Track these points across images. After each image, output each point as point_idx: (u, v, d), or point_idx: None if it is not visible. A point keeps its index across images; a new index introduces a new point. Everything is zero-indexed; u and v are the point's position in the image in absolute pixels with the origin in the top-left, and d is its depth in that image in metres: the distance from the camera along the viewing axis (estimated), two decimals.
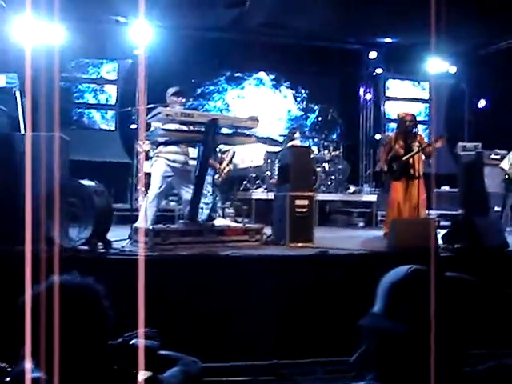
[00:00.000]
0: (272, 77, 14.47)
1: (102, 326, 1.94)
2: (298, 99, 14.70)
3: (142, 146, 7.92)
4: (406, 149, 8.57)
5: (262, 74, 14.43)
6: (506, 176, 10.76)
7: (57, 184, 5.54)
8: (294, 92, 14.64)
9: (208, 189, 9.44)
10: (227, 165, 9.97)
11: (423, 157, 8.70)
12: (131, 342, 2.09)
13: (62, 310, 1.78)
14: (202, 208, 9.10)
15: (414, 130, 8.73)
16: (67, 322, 1.79)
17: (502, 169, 10.91)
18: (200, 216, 8.96)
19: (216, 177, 9.60)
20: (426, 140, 8.99)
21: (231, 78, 14.24)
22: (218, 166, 9.71)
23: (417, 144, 8.55)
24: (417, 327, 1.79)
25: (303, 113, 14.74)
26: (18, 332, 1.78)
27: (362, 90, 14.94)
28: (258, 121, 7.27)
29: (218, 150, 9.51)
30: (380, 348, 1.85)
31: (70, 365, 1.80)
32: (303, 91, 14.66)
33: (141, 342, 2.08)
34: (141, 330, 2.11)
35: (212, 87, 14.06)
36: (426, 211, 9.00)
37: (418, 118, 13.99)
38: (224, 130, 7.50)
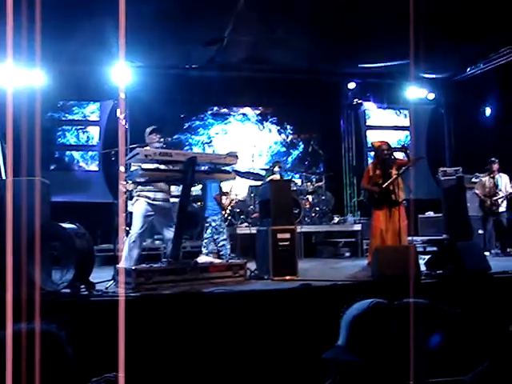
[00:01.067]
0: (257, 112, 14.58)
1: (64, 373, 1.93)
2: (283, 135, 14.77)
3: (125, 186, 7.96)
4: (384, 177, 8.64)
5: (247, 110, 14.53)
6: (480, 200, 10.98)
7: (37, 228, 5.57)
8: (278, 127, 14.72)
9: (222, 225, 9.52)
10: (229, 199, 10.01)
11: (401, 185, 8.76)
12: None
13: (26, 357, 1.76)
14: (224, 245, 9.22)
15: (391, 157, 8.81)
16: (31, 367, 1.78)
17: (476, 194, 11.08)
18: (226, 252, 9.23)
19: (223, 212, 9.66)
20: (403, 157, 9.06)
21: (217, 114, 14.34)
22: (222, 201, 9.72)
23: (395, 171, 8.63)
24: (377, 359, 1.83)
25: (285, 148, 14.76)
26: None
27: (342, 121, 15.04)
28: (237, 157, 7.34)
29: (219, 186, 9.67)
30: (344, 380, 1.89)
31: None
32: (288, 126, 14.74)
33: None
34: (109, 375, 2.11)
35: (198, 122, 14.11)
36: (409, 237, 9.03)
37: (400, 145, 14.23)
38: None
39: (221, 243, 9.35)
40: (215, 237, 9.44)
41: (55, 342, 1.93)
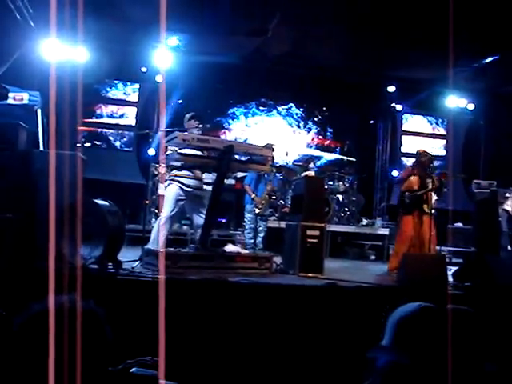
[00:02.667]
0: (301, 110, 14.59)
1: (102, 351, 1.91)
2: (321, 137, 14.75)
3: (159, 168, 8.00)
4: (420, 184, 8.56)
5: (292, 106, 14.54)
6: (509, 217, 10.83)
7: (79, 202, 5.60)
8: (318, 129, 14.71)
9: (246, 215, 9.69)
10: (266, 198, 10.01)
11: (434, 196, 8.68)
12: (131, 370, 2.04)
13: (60, 333, 1.75)
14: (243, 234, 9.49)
15: (430, 169, 8.73)
16: (73, 342, 1.77)
17: (506, 210, 10.92)
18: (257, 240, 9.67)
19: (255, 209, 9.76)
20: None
21: (262, 104, 14.39)
22: (253, 195, 9.77)
23: (431, 181, 8.54)
24: (422, 360, 1.82)
25: (320, 151, 14.70)
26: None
27: (378, 124, 14.93)
28: (273, 149, 7.33)
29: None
30: (386, 380, 1.88)
31: None
32: (328, 128, 14.72)
33: (141, 370, 2.03)
34: (144, 358, 2.09)
35: (242, 109, 14.17)
36: (437, 247, 8.94)
37: (435, 153, 14.09)
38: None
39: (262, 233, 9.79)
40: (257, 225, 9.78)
41: (94, 318, 1.93)
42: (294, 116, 14.57)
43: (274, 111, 14.46)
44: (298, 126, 14.59)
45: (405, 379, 1.82)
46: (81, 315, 1.83)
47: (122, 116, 13.41)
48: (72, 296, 1.94)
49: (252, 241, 9.67)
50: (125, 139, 13.47)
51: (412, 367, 1.82)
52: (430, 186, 8.51)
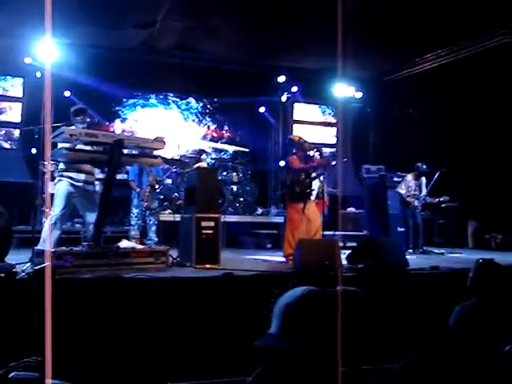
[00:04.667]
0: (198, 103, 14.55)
1: None
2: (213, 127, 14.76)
3: (47, 165, 7.73)
4: (306, 172, 8.72)
5: (190, 99, 14.46)
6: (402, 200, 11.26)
7: None
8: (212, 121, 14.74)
9: (133, 211, 9.59)
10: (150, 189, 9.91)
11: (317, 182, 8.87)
12: (10, 375, 1.86)
13: None
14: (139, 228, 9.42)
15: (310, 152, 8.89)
16: None
17: (399, 193, 11.35)
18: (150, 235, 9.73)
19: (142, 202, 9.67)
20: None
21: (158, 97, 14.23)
22: (138, 189, 9.69)
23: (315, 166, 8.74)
24: (310, 346, 1.83)
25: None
26: None
27: (270, 114, 15.06)
28: (164, 142, 7.23)
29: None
30: (275, 368, 1.88)
31: None
32: (219, 117, 14.76)
33: (20, 374, 1.86)
34: (28, 359, 1.99)
35: (132, 100, 13.95)
36: (330, 232, 9.16)
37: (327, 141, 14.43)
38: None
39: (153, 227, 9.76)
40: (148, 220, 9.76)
41: None
42: (191, 110, 14.48)
43: (173, 105, 14.32)
44: (194, 120, 14.49)
45: (294, 365, 1.82)
46: None
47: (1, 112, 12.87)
48: None
49: (139, 235, 9.64)
50: (6, 135, 12.93)
51: (300, 353, 1.82)
52: (314, 174, 8.70)
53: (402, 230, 11.41)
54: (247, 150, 13.28)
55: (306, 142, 9.02)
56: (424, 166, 11.28)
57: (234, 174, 12.46)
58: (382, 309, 2.17)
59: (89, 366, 4.84)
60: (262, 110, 14.61)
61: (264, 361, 1.91)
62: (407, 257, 7.86)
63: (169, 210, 10.96)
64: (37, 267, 2.64)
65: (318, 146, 9.24)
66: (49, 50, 11.21)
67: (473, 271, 4.03)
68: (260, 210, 12.80)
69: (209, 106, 14.62)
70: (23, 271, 6.10)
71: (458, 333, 3.18)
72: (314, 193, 8.69)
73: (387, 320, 2.18)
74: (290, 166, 8.95)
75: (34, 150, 10.46)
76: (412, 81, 13.55)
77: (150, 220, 9.81)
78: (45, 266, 2.73)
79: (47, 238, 7.12)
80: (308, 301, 1.90)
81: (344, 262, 7.41)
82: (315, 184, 8.72)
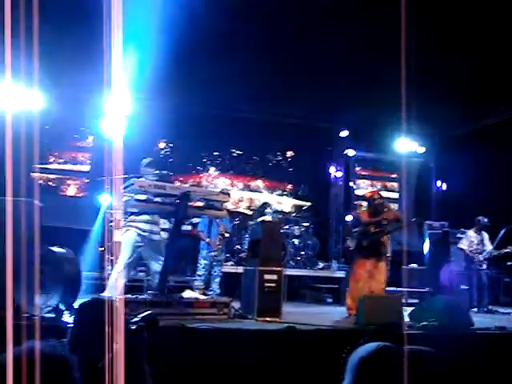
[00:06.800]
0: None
1: None
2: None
3: (114, 215, 7.95)
4: (376, 226, 8.71)
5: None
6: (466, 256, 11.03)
7: (36, 252, 5.53)
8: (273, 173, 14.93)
9: (201, 262, 9.68)
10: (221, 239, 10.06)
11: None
12: None
13: (32, 378, 1.73)
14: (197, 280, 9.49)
15: (383, 207, 8.90)
16: None
17: (461, 249, 11.13)
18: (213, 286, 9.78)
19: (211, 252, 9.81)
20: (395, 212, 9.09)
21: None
22: (207, 239, 9.81)
23: (385, 221, 8.72)
24: None
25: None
26: None
27: (332, 168, 15.11)
28: (229, 195, 7.38)
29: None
30: None
31: None
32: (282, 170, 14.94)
33: None
34: None
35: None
36: (393, 288, 9.07)
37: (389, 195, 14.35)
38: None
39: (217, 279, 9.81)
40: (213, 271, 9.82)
41: (64, 365, 1.89)
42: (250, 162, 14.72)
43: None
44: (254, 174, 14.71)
45: None
46: (42, 363, 1.79)
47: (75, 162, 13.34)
48: (31, 344, 1.90)
49: (204, 286, 9.69)
50: (78, 185, 13.36)
51: None
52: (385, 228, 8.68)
53: (466, 287, 11.15)
54: (310, 203, 13.33)
55: (380, 197, 9.03)
56: (485, 220, 11.06)
57: (296, 227, 12.50)
58: (453, 370, 2.17)
59: None
60: (331, 170, 14.76)
61: None
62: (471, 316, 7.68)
63: (231, 262, 11.04)
64: (143, 316, 2.73)
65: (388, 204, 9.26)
66: (121, 105, 11.54)
67: None
68: (321, 264, 12.76)
69: (272, 160, 14.79)
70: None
71: None
72: (388, 249, 8.67)
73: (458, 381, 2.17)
74: (359, 219, 9.01)
75: (105, 197, 10.78)
76: (477, 135, 13.43)
77: (215, 271, 9.87)
78: (154, 315, 2.82)
79: (113, 285, 7.27)
80: (382, 355, 1.93)
81: (407, 319, 7.31)
82: (387, 239, 8.72)
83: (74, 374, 1.90)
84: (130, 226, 7.48)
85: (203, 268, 9.83)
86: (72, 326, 3.05)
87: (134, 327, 2.75)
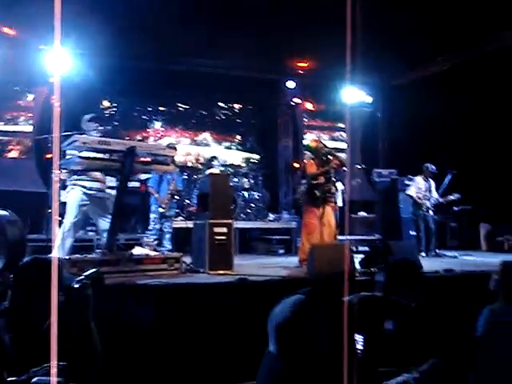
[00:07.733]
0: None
1: (1, 358, 1.81)
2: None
3: (59, 174, 7.75)
4: (324, 175, 8.73)
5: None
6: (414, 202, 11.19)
7: None
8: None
9: (150, 216, 9.68)
10: (169, 197, 10.00)
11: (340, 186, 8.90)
12: (33, 380, 1.92)
13: None
14: (147, 236, 9.45)
15: (329, 156, 8.91)
16: None
17: (409, 195, 11.27)
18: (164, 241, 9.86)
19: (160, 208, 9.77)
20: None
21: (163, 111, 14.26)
22: (156, 195, 9.78)
23: (332, 169, 8.75)
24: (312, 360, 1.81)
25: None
26: None
27: (280, 120, 15.06)
28: (175, 149, 7.26)
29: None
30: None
31: None
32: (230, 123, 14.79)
33: (42, 379, 1.92)
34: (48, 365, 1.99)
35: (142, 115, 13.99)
36: (342, 237, 9.17)
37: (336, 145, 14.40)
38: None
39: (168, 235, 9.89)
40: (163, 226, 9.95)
41: None
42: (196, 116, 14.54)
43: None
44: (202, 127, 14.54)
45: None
46: None
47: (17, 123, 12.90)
48: None
49: (156, 242, 9.66)
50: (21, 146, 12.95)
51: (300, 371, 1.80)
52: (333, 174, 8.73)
53: (414, 233, 11.35)
54: (258, 155, 13.30)
55: (324, 146, 9.04)
56: (432, 167, 11.21)
57: (245, 179, 12.46)
58: (401, 312, 2.16)
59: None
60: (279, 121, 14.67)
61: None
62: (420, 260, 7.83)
63: (180, 217, 10.96)
64: (88, 274, 2.65)
65: (333, 151, 9.25)
66: (58, 60, 11.21)
67: (499, 274, 3.93)
68: (272, 216, 12.79)
69: (219, 113, 14.64)
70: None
71: (485, 337, 3.14)
72: (337, 196, 8.71)
73: (407, 323, 2.17)
74: (306, 171, 8.98)
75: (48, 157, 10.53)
76: (422, 84, 13.51)
77: (165, 227, 9.88)
78: (99, 273, 2.75)
79: (60, 246, 7.13)
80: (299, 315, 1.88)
81: (357, 266, 7.39)
82: (338, 187, 8.77)
83: (2, 335, 1.83)
84: (74, 184, 7.30)
85: (153, 222, 9.83)
86: (12, 287, 2.95)
87: (77, 285, 2.68)
